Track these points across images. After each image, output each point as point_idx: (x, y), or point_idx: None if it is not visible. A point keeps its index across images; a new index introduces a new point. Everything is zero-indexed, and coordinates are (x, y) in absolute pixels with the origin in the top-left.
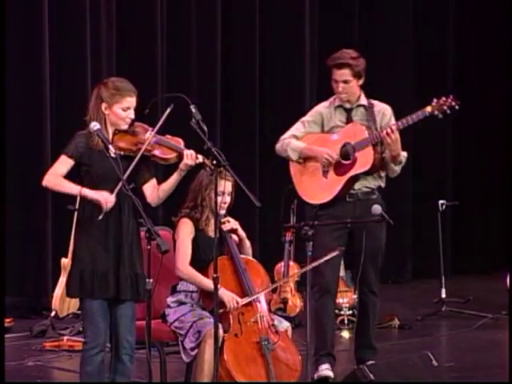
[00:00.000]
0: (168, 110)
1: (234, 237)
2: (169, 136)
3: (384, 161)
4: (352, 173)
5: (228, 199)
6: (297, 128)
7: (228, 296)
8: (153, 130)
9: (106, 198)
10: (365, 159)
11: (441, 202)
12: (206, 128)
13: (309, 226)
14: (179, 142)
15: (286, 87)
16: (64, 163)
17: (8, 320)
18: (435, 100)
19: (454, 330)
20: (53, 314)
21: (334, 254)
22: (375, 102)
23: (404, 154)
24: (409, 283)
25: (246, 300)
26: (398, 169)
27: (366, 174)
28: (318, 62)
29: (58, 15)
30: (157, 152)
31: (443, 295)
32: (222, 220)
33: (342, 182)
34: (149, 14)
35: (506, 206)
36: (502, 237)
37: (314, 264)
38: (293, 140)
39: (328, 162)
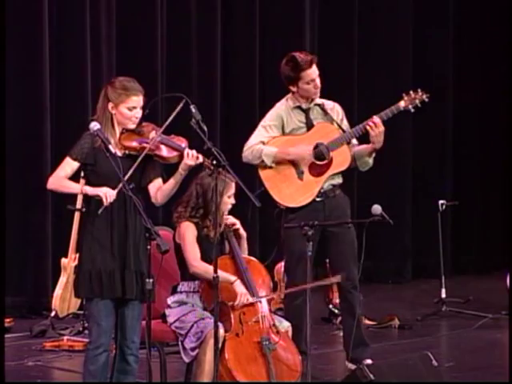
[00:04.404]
0: (177, 109)
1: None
2: (173, 136)
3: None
4: (330, 172)
5: (233, 200)
6: (260, 134)
7: (242, 290)
8: (159, 130)
9: (106, 193)
10: (342, 158)
11: (441, 202)
12: (205, 128)
13: (309, 226)
14: (182, 142)
15: (286, 88)
16: (68, 165)
17: (8, 320)
18: (405, 94)
19: (454, 330)
20: (53, 314)
21: (334, 280)
22: (324, 101)
23: None
24: (409, 283)
25: (253, 300)
26: (371, 161)
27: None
28: (317, 63)
29: (57, 15)
30: (158, 151)
31: (443, 295)
32: (225, 217)
33: (321, 182)
34: (149, 13)
35: (506, 207)
36: (502, 237)
37: (307, 286)
38: (263, 146)
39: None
